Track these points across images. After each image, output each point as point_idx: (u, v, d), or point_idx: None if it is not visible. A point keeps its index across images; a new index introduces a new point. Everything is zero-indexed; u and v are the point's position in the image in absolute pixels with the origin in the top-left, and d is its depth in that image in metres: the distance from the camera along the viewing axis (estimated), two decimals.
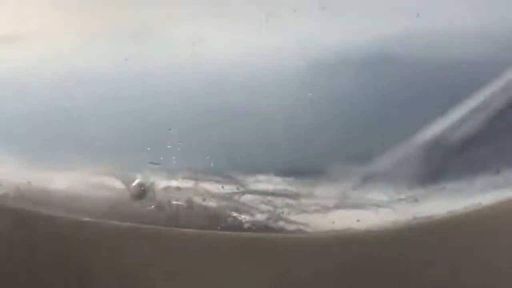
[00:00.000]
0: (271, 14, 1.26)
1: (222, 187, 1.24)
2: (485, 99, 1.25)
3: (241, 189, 1.24)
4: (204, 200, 1.24)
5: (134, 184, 1.23)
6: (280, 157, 1.25)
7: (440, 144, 1.24)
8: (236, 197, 1.24)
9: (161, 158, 1.24)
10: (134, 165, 1.24)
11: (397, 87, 1.27)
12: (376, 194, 1.25)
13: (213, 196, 1.24)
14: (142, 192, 1.23)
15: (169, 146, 1.23)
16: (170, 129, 1.24)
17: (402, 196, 1.24)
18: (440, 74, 1.26)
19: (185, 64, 1.27)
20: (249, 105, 1.25)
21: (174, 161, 1.24)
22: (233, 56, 1.26)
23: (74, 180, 1.25)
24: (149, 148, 1.24)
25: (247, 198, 1.24)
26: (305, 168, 1.25)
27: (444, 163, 1.27)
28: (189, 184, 1.24)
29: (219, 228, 1.24)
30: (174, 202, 1.24)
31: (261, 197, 1.24)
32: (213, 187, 1.24)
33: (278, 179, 1.24)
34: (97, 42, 1.30)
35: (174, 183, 1.24)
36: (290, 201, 1.25)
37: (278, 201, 1.25)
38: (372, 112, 1.26)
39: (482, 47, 1.29)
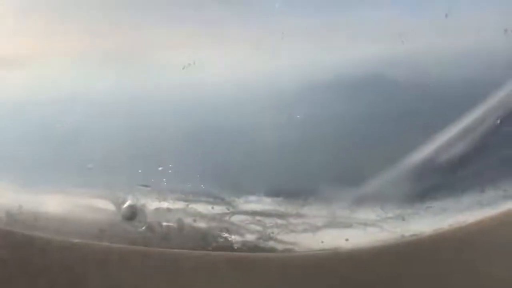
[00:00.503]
0: (262, 37, 1.27)
1: (212, 207, 1.25)
2: (473, 121, 1.28)
3: (231, 209, 1.26)
4: (194, 221, 1.25)
5: (125, 206, 1.25)
6: (270, 178, 1.27)
7: (429, 165, 1.27)
8: (226, 218, 1.25)
9: (152, 180, 1.25)
10: (124, 187, 1.25)
11: (386, 108, 1.29)
12: (365, 213, 1.26)
13: (204, 217, 1.25)
14: (133, 214, 1.24)
15: (159, 168, 1.25)
16: (160, 152, 1.26)
17: (390, 215, 1.26)
18: (429, 95, 1.29)
19: (175, 87, 1.28)
20: (239, 127, 1.27)
21: (165, 183, 1.25)
22: (224, 79, 1.28)
23: (65, 202, 1.26)
24: (139, 171, 1.26)
25: (237, 218, 1.26)
26: (294, 189, 1.27)
27: (432, 183, 1.29)
28: (179, 205, 1.25)
29: (210, 248, 1.25)
30: (165, 223, 1.25)
31: (251, 218, 1.26)
32: (203, 208, 1.25)
33: (267, 200, 1.26)
34: (89, 65, 1.31)
35: (164, 204, 1.25)
36: (279, 221, 1.26)
37: (268, 221, 1.26)
38: (362, 133, 1.28)
39: (470, 68, 1.31)
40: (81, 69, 1.32)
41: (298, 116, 1.25)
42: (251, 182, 1.25)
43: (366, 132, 1.28)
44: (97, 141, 1.28)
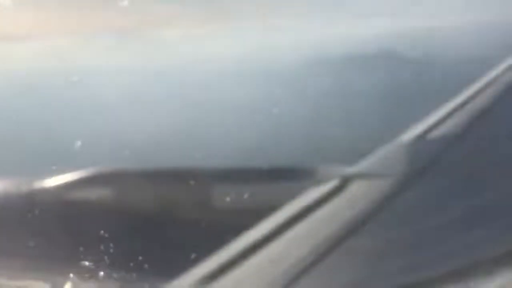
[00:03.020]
0: (271, 13, 1.04)
1: None
2: None
3: None
4: None
5: None
6: None
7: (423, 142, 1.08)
8: None
9: None
10: None
11: (392, 85, 1.08)
12: None
13: None
14: None
15: None
16: None
17: None
18: (436, 71, 1.07)
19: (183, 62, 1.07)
20: (247, 100, 1.11)
21: None
22: (234, 53, 1.06)
23: None
24: None
25: None
26: None
27: None
28: None
29: None
30: None
31: None
32: None
33: None
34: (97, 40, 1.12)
35: None
36: None
37: None
38: (360, 111, 1.05)
39: (477, 45, 1.08)
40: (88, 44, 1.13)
41: (306, 90, 1.05)
42: None
43: (367, 109, 1.03)
44: None
